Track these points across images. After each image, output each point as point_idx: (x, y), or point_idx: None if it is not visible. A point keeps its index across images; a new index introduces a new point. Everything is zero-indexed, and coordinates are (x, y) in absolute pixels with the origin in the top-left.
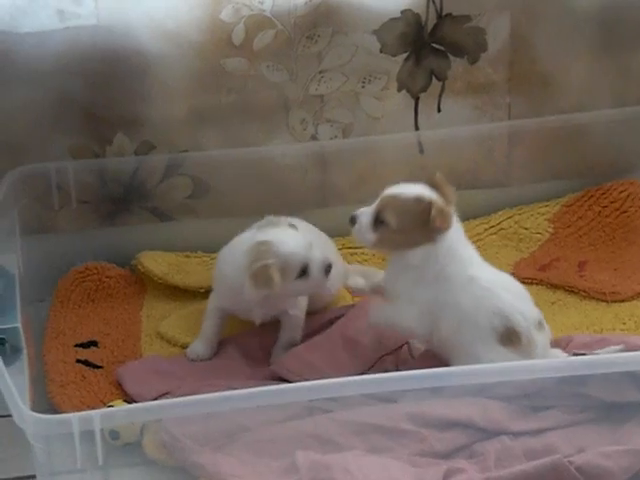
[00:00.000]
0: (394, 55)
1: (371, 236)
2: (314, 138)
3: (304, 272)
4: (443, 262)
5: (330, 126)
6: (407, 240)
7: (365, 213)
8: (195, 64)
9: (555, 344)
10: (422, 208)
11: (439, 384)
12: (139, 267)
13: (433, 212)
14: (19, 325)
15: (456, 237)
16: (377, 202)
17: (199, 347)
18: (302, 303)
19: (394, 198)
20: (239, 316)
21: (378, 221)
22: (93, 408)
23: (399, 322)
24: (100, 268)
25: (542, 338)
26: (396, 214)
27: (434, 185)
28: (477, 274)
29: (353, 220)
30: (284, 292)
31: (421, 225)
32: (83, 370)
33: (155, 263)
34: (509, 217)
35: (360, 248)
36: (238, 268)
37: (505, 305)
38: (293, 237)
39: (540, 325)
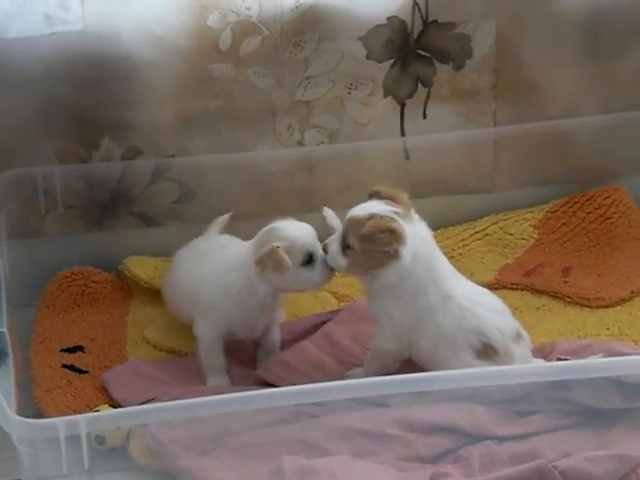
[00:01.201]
0: (380, 61)
1: (342, 261)
2: (300, 144)
3: (310, 260)
4: (418, 276)
5: (316, 132)
6: (374, 261)
7: (334, 240)
8: (182, 69)
9: (539, 350)
10: (373, 226)
11: (425, 388)
12: (125, 272)
13: (367, 229)
14: (5, 330)
15: (423, 249)
16: (343, 227)
17: (220, 382)
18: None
19: (353, 220)
20: (238, 334)
21: (346, 246)
22: (79, 413)
23: (381, 347)
24: (86, 273)
25: (520, 349)
26: (356, 236)
27: (386, 198)
28: (454, 292)
29: (325, 249)
30: (288, 281)
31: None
32: (69, 375)
33: (141, 268)
34: (494, 223)
35: None
36: (245, 269)
37: (483, 323)
38: (299, 225)
39: (518, 336)
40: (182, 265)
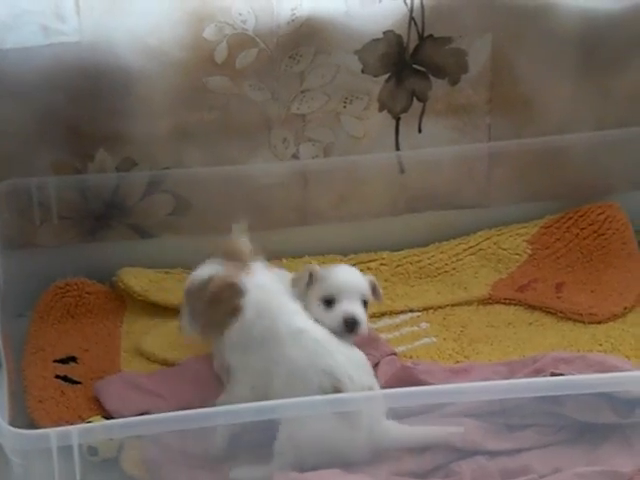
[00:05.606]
0: (376, 75)
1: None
2: (295, 157)
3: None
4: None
5: (311, 145)
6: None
7: None
8: (177, 82)
9: (530, 360)
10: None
11: (410, 403)
12: (119, 283)
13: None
14: None
15: (263, 295)
16: None
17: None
18: None
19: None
20: None
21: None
22: (72, 424)
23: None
24: (80, 284)
25: (369, 405)
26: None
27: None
28: (307, 326)
29: None
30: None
31: None
32: (62, 386)
33: (135, 280)
34: (488, 238)
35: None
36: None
37: (336, 365)
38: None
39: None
40: None
